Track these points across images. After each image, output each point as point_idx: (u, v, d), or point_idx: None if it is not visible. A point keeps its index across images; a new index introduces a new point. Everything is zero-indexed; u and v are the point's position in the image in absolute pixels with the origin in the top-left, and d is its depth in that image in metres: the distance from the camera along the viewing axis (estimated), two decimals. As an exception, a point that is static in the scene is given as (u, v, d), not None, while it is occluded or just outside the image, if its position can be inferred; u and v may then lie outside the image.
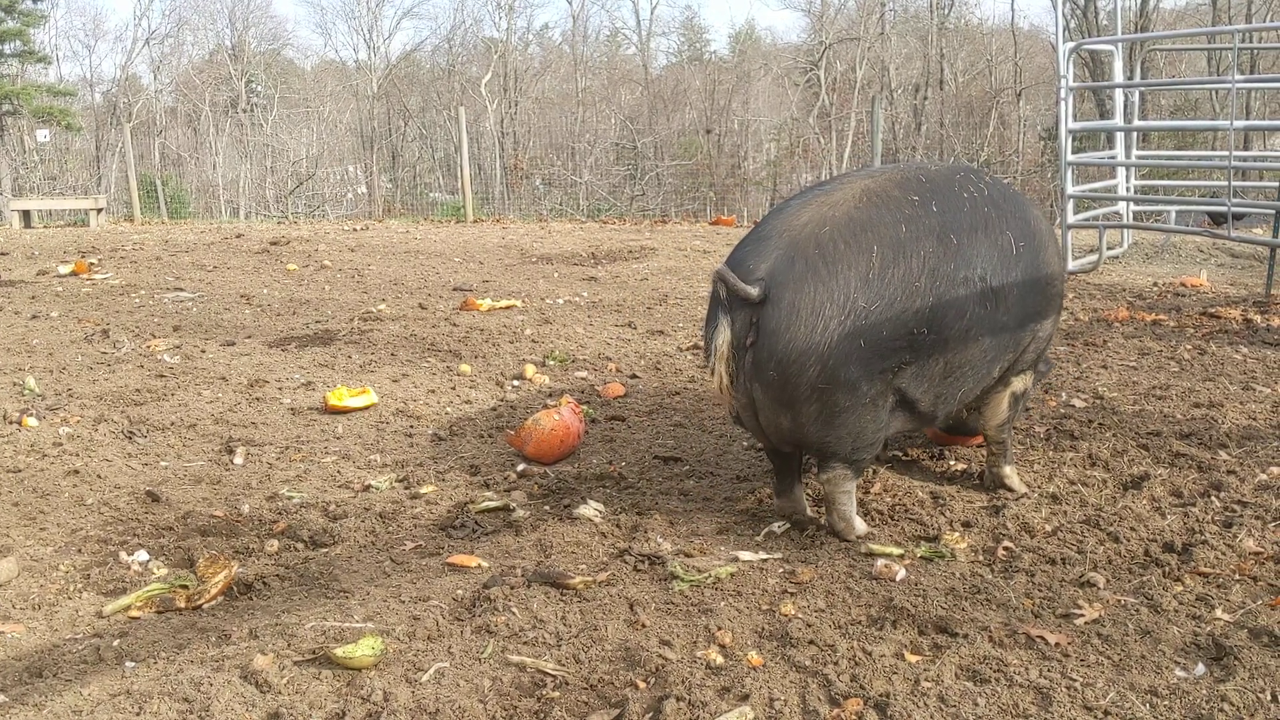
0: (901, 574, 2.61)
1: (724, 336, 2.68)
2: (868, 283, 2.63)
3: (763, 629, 2.35)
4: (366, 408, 4.37)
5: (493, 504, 3.25)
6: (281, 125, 26.06)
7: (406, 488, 3.48)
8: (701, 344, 2.84)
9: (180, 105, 30.77)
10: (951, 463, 3.51)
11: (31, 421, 4.09)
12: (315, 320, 6.28)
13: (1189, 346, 4.98)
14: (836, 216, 2.72)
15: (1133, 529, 2.81)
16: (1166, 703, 1.99)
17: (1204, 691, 2.02)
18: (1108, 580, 2.54)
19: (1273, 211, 6.86)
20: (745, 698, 2.05)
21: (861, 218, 2.72)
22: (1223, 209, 6.93)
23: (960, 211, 2.81)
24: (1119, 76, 8.06)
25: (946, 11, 29.95)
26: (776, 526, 2.96)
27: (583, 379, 4.82)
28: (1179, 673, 2.10)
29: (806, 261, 2.64)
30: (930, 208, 2.78)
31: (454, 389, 4.67)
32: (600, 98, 30.36)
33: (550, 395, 4.51)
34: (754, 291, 2.62)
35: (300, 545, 3.00)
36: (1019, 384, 3.15)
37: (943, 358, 2.76)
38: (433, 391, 4.64)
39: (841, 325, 2.61)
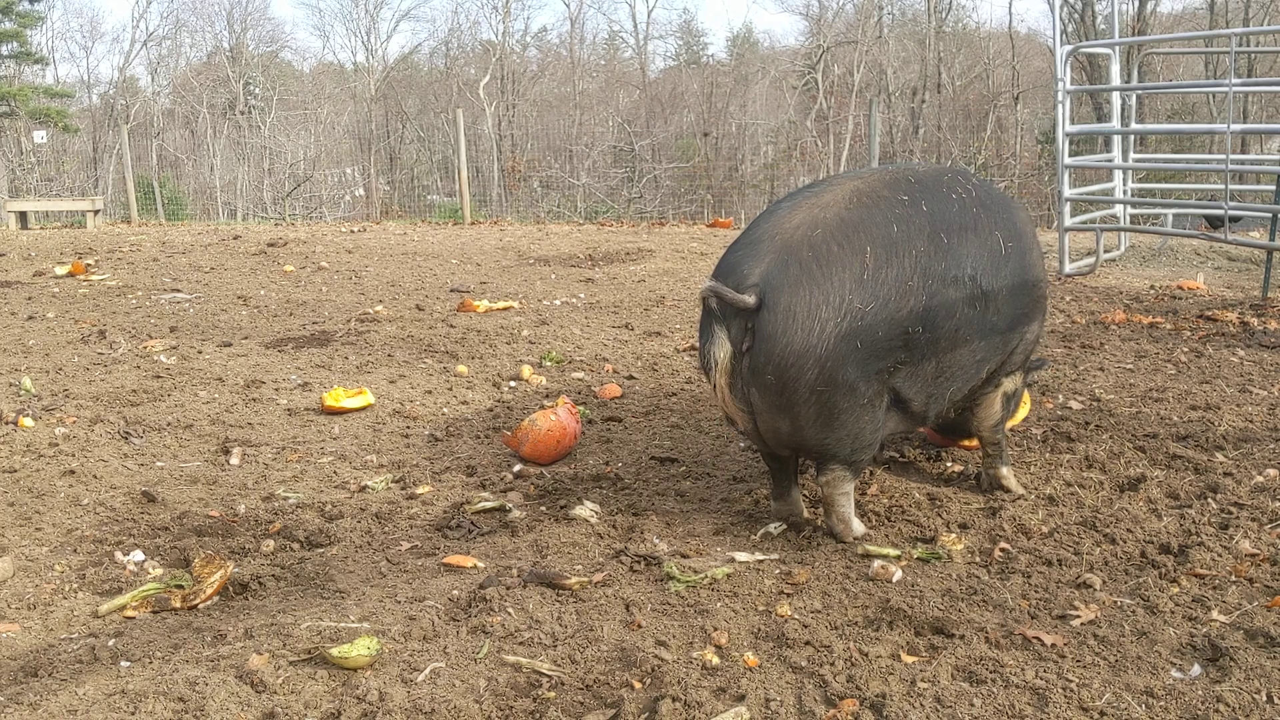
0: (898, 575, 2.61)
1: (724, 350, 2.67)
2: (862, 283, 2.63)
3: (759, 630, 2.35)
4: (363, 408, 4.37)
5: (489, 504, 3.25)
6: (279, 127, 26.03)
7: (403, 488, 3.48)
8: (698, 346, 2.83)
9: (178, 107, 30.75)
10: (948, 464, 3.51)
11: (28, 422, 4.09)
12: (312, 321, 6.28)
13: (1185, 349, 4.98)
14: (828, 218, 2.72)
15: (1129, 531, 2.81)
16: (1162, 703, 1.99)
17: (1200, 692, 2.02)
18: (1104, 582, 2.54)
19: (1269, 215, 6.88)
20: (741, 698, 2.05)
21: (853, 218, 2.72)
22: (1219, 212, 6.94)
23: (950, 211, 2.82)
24: (1116, 80, 8.07)
25: (944, 15, 30.01)
26: (773, 527, 2.96)
27: (579, 380, 4.81)
28: (1175, 674, 2.11)
29: (800, 264, 2.63)
30: (920, 207, 2.78)
31: (451, 390, 4.67)
32: (598, 100, 30.36)
33: (547, 396, 4.51)
34: (750, 300, 2.61)
35: (296, 545, 3.00)
36: (1009, 384, 3.16)
37: (935, 358, 2.77)
38: (429, 392, 4.63)
39: (838, 327, 2.61)
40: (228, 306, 6.82)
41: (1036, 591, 2.50)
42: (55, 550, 2.98)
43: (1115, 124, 8.12)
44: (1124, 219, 8.64)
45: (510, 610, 2.43)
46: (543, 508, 3.23)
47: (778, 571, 2.67)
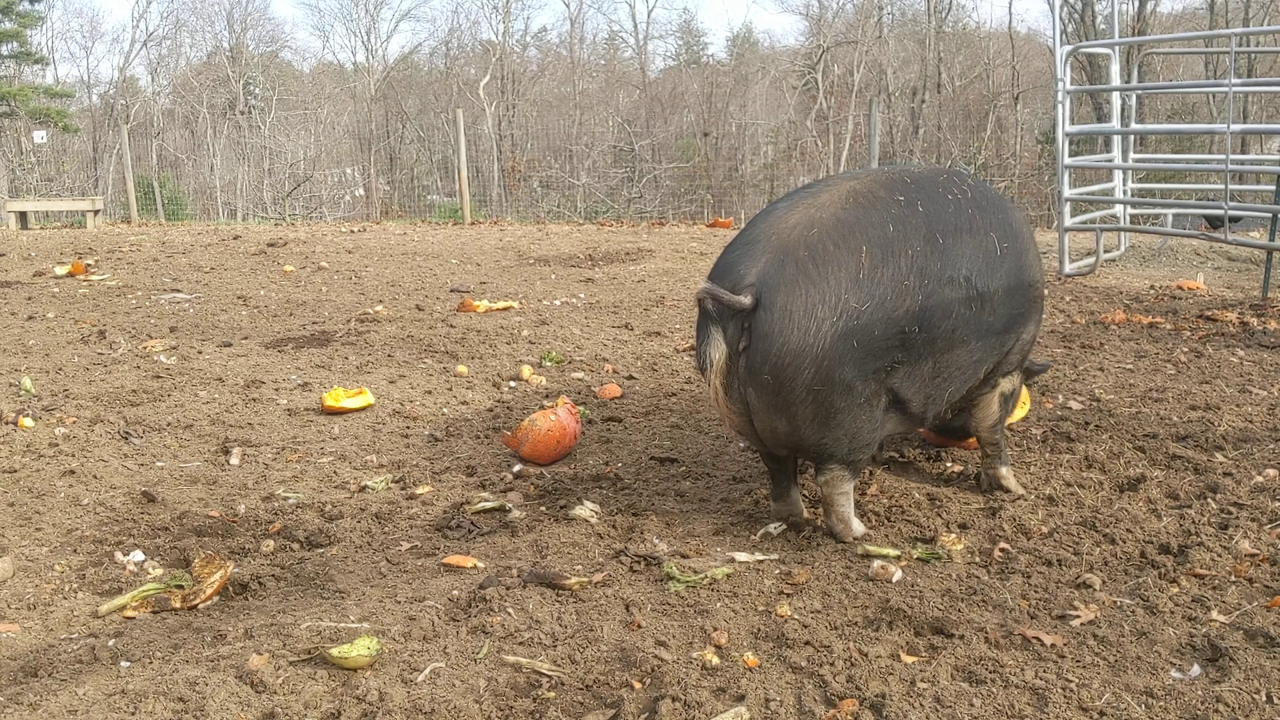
0: (898, 575, 2.61)
1: (719, 351, 2.67)
2: (858, 283, 2.63)
3: (759, 630, 2.35)
4: (363, 408, 4.37)
5: (489, 505, 3.25)
6: (279, 127, 26.03)
7: (403, 488, 3.48)
8: (695, 346, 2.83)
9: (178, 107, 30.75)
10: (948, 464, 3.51)
11: (28, 422, 4.09)
12: (312, 321, 6.28)
13: (1185, 349, 4.98)
14: (824, 218, 2.72)
15: (1129, 531, 2.81)
16: (1162, 704, 1.99)
17: (1199, 692, 2.02)
18: (1104, 582, 2.54)
19: (1269, 215, 6.88)
20: (741, 698, 2.05)
21: (849, 218, 2.72)
22: (1219, 212, 6.94)
23: (945, 213, 2.82)
24: (1116, 80, 8.07)
25: (944, 15, 30.01)
26: (773, 528, 2.96)
27: (579, 380, 4.81)
28: (1174, 674, 2.11)
29: (797, 264, 2.64)
30: (916, 208, 2.78)
31: (450, 390, 4.67)
32: (598, 100, 30.36)
33: (547, 396, 4.51)
34: (746, 300, 2.61)
35: (296, 545, 3.00)
36: (1006, 385, 3.17)
37: (932, 358, 2.77)
38: (429, 392, 4.63)
39: (834, 326, 2.61)
40: (228, 306, 6.82)
41: (1036, 591, 2.50)
42: (55, 550, 2.98)
43: (1115, 124, 8.12)
44: (1124, 219, 8.63)
45: (510, 610, 2.43)
46: (543, 508, 3.23)
47: (778, 571, 2.67)
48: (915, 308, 2.69)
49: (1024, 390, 3.60)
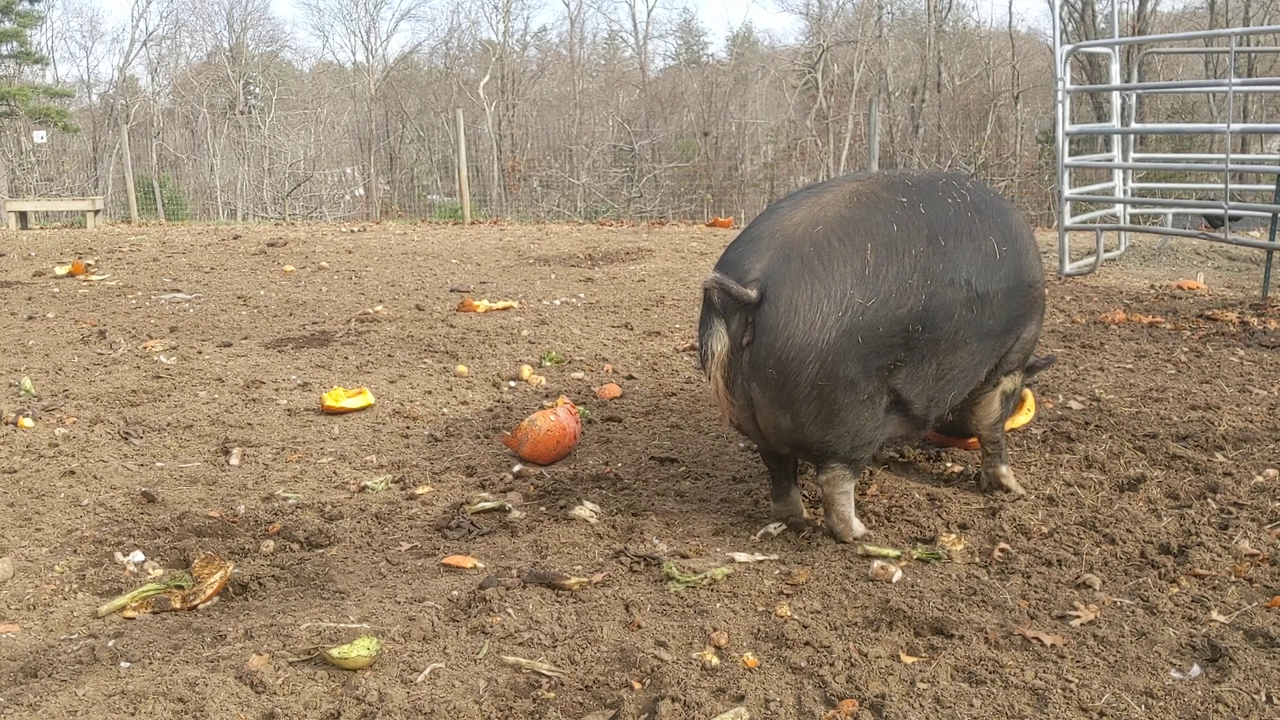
0: (898, 575, 2.61)
1: (721, 343, 2.67)
2: (863, 279, 2.64)
3: (758, 630, 2.35)
4: (363, 409, 4.37)
5: (489, 505, 3.25)
6: (279, 127, 26.04)
7: (402, 488, 3.48)
8: (697, 338, 2.84)
9: (178, 107, 30.76)
10: (948, 464, 3.51)
11: (27, 422, 4.09)
12: (312, 321, 6.28)
13: (1185, 349, 4.98)
14: (829, 216, 2.73)
15: (1129, 531, 2.81)
16: (1162, 704, 1.99)
17: (1199, 693, 2.02)
18: (1104, 582, 2.54)
19: (1269, 214, 6.88)
20: (740, 699, 2.05)
21: (854, 217, 2.73)
22: (1219, 212, 6.94)
23: (946, 215, 2.83)
24: (1116, 79, 8.07)
25: (944, 14, 30.01)
26: (773, 528, 2.96)
27: (579, 380, 4.81)
28: (1174, 674, 2.11)
29: (802, 259, 2.64)
30: (919, 209, 2.79)
31: (450, 390, 4.67)
32: (598, 100, 30.36)
33: (546, 396, 4.51)
34: (752, 294, 2.62)
35: (296, 546, 3.00)
36: (1008, 384, 3.17)
37: (936, 359, 2.77)
38: (429, 392, 4.63)
39: (839, 322, 2.61)
40: (228, 306, 6.82)
41: (1036, 591, 2.50)
42: (55, 551, 2.98)
43: (1115, 124, 8.13)
44: (1124, 219, 8.63)
45: (510, 610, 2.43)
46: (543, 508, 3.23)
47: (777, 572, 2.67)
48: (918, 307, 2.69)
49: (1029, 397, 3.60)
